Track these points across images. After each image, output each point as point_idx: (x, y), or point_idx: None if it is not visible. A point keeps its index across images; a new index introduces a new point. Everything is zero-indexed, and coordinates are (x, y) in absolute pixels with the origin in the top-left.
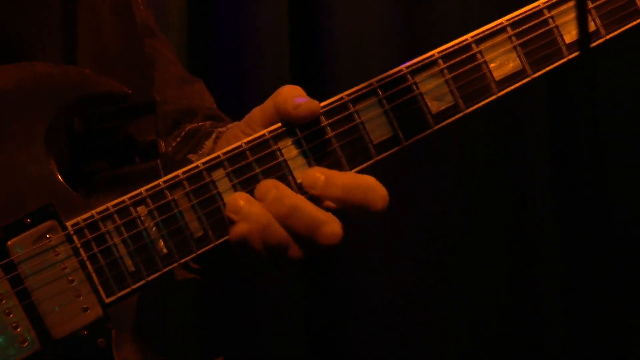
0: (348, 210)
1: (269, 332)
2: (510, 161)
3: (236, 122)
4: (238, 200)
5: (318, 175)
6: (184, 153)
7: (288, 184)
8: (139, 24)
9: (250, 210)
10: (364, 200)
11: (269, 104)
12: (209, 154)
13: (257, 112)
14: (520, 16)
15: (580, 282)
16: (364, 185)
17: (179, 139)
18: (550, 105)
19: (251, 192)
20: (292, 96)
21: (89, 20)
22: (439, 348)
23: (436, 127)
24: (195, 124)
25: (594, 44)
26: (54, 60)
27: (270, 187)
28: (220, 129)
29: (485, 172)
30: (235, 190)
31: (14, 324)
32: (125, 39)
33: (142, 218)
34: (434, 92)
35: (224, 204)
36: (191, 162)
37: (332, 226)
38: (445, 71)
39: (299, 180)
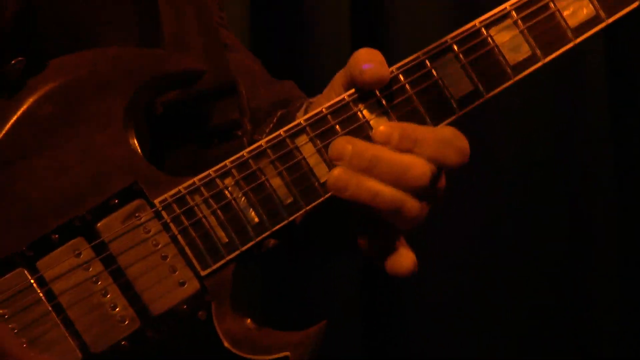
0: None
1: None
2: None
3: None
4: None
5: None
6: None
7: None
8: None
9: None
10: (438, 153)
11: (346, 67)
12: None
13: (338, 76)
14: None
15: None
16: (441, 138)
17: (271, 125)
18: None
19: None
20: (362, 61)
21: (167, 8)
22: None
23: (515, 79)
24: (286, 109)
25: None
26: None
27: (345, 143)
28: (310, 100)
29: (543, 168)
30: (320, 155)
31: (111, 304)
32: (203, 26)
33: (229, 189)
34: (510, 44)
35: (311, 169)
36: None
37: (418, 168)
38: (520, 22)
39: None
